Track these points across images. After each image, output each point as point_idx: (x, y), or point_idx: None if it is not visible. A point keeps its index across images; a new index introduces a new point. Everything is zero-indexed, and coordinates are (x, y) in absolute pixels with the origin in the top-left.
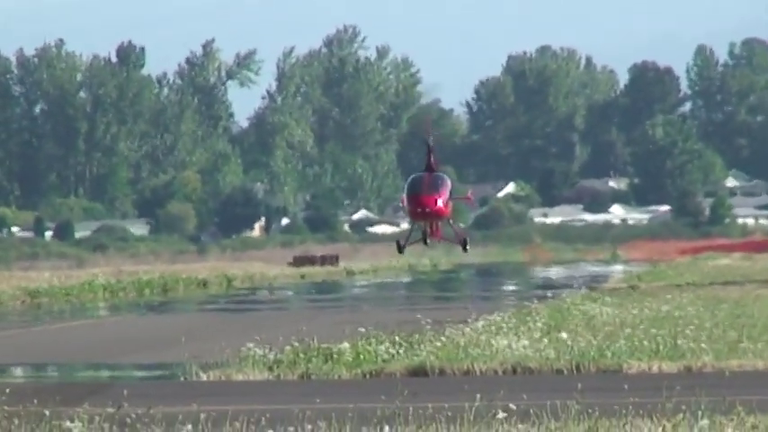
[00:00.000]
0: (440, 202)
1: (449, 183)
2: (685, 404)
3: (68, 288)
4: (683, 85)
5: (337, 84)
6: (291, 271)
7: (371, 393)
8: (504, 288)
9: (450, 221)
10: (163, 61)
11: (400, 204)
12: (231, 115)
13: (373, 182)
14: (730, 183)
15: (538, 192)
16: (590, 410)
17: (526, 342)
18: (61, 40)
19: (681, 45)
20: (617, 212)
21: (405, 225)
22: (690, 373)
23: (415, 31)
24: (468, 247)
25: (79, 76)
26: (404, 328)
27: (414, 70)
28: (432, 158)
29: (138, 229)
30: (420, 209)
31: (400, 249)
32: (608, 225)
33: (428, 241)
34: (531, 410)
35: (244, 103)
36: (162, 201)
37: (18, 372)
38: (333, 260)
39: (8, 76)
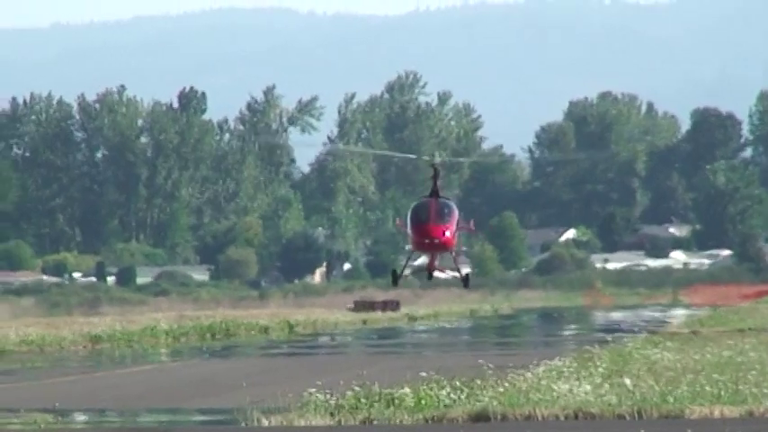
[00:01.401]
0: (448, 233)
1: (456, 211)
2: None
3: (130, 333)
4: (745, 131)
5: (398, 129)
6: (353, 316)
7: None
8: (566, 333)
9: (453, 253)
10: (224, 107)
11: (395, 227)
12: (293, 161)
13: None
14: None
15: (599, 237)
16: None
17: (588, 387)
18: (122, 86)
19: (743, 90)
20: (678, 258)
21: (465, 270)
22: (752, 418)
23: (476, 76)
24: (469, 284)
25: (140, 122)
26: (465, 373)
27: (475, 116)
28: (438, 183)
29: (200, 274)
30: (427, 239)
31: (395, 281)
32: (669, 270)
33: (432, 276)
34: None
35: (305, 148)
36: (223, 246)
37: (80, 417)
38: (394, 305)
39: (70, 121)
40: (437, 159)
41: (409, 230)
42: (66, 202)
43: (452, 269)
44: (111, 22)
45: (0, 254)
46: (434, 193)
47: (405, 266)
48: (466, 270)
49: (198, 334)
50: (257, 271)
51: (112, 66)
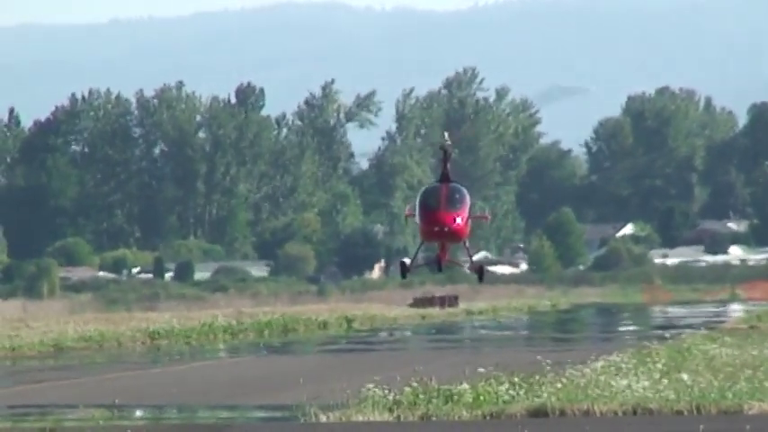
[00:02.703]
0: (459, 221)
1: (468, 197)
2: None
3: (188, 329)
4: None
5: (456, 125)
6: (411, 312)
7: None
8: (624, 328)
9: (466, 244)
10: (282, 102)
11: (405, 216)
12: (351, 156)
13: (492, 223)
14: None
15: (657, 232)
16: None
17: (646, 383)
18: (181, 82)
19: None
20: (736, 253)
21: (524, 266)
22: None
23: (533, 72)
24: (483, 278)
25: (198, 118)
26: (524, 369)
27: (532, 111)
28: (448, 166)
29: (258, 270)
30: (437, 227)
31: (404, 274)
32: (727, 265)
33: (442, 268)
34: None
35: (363, 144)
36: (281, 242)
37: (138, 413)
38: (453, 301)
39: (128, 117)
40: (447, 141)
41: (417, 218)
42: (125, 198)
43: (466, 261)
44: (170, 18)
45: (59, 250)
46: (444, 178)
47: (414, 257)
48: (480, 262)
49: (256, 330)
50: (315, 267)
51: (171, 62)
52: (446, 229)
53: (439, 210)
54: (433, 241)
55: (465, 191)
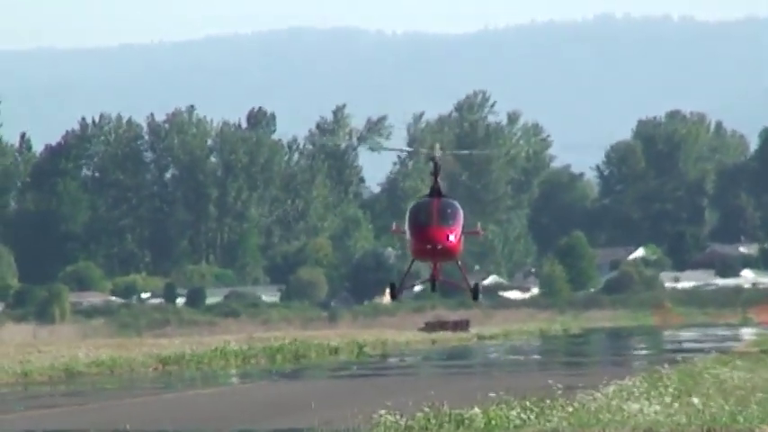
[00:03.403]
0: (452, 237)
1: (461, 212)
2: None
3: (200, 355)
4: None
5: (467, 148)
6: (423, 337)
7: None
8: (635, 352)
9: (459, 262)
10: (293, 127)
11: (391, 231)
12: (362, 180)
13: (504, 247)
14: None
15: (668, 256)
16: None
17: (657, 407)
18: (192, 106)
19: None
20: (747, 277)
21: (536, 290)
22: None
23: (545, 96)
24: (480, 296)
25: (210, 142)
26: (535, 394)
27: (544, 135)
28: (438, 180)
29: (270, 295)
30: (429, 244)
31: (394, 295)
32: (738, 289)
33: (436, 287)
34: None
35: (375, 168)
36: (293, 266)
37: None
38: (464, 326)
39: (139, 141)
40: (437, 152)
41: (408, 235)
42: (136, 223)
43: (460, 280)
44: (181, 42)
45: (70, 275)
46: (436, 192)
47: (404, 278)
48: (474, 280)
49: (267, 355)
50: (327, 291)
51: (182, 86)
52: (439, 247)
53: (431, 226)
54: (425, 259)
55: (458, 205)
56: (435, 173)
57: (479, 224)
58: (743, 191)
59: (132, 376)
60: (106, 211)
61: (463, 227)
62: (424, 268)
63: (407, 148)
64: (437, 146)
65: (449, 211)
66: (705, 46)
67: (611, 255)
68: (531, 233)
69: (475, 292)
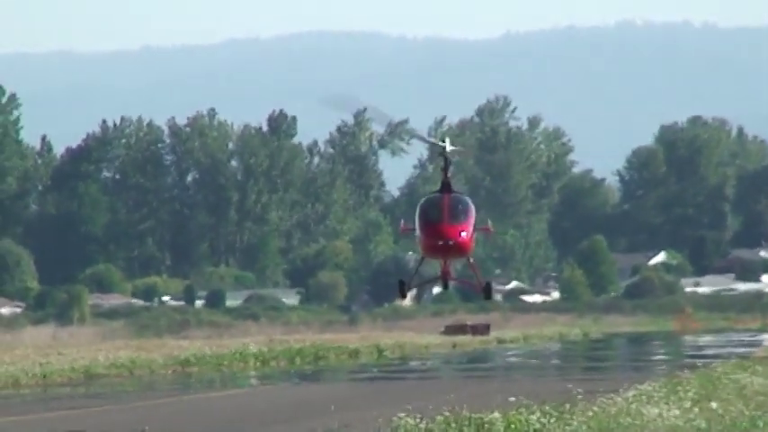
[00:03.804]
0: (464, 234)
1: (473, 208)
2: None
3: (219, 357)
4: None
5: (489, 153)
6: (443, 340)
7: None
8: (655, 357)
9: (471, 260)
10: (314, 130)
11: (400, 229)
12: (382, 184)
13: (525, 251)
14: None
15: (689, 261)
16: None
17: (677, 412)
18: (213, 109)
19: None
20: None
21: (556, 294)
22: None
23: (566, 101)
24: (491, 295)
25: (230, 145)
26: (555, 398)
27: (565, 140)
28: (449, 175)
29: (289, 298)
30: (441, 241)
31: (403, 293)
32: (759, 294)
33: (449, 285)
34: None
35: (395, 172)
36: (313, 270)
37: None
38: (484, 329)
39: (160, 145)
40: (448, 146)
41: (418, 232)
42: (156, 226)
43: (472, 278)
44: (201, 45)
45: (90, 277)
46: (446, 187)
47: (414, 275)
48: (485, 279)
49: (287, 358)
50: (347, 294)
51: (203, 89)
52: (450, 243)
53: (442, 222)
54: (436, 257)
55: (469, 201)
56: (446, 168)
57: (489, 221)
58: (764, 196)
59: (152, 378)
60: (126, 213)
61: (474, 224)
62: (435, 266)
63: (428, 138)
64: (447, 140)
65: (460, 206)
66: (726, 52)
67: (631, 260)
68: (551, 238)
69: (487, 291)
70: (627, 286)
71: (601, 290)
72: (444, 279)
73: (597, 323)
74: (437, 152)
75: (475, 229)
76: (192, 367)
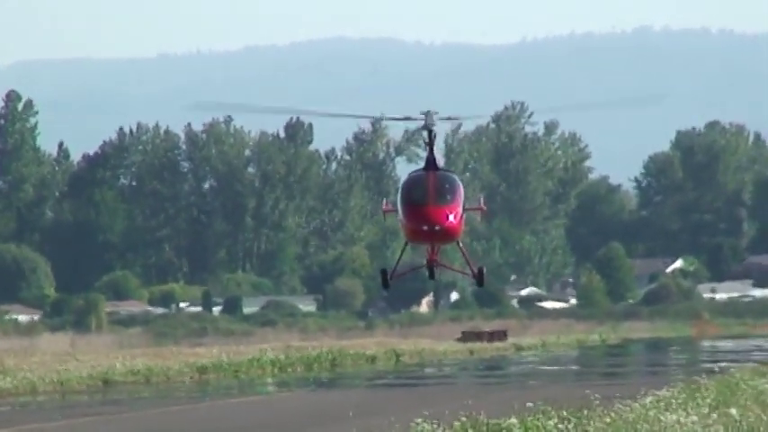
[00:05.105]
0: (452, 218)
1: (461, 187)
2: None
3: (237, 364)
4: None
5: (505, 159)
6: (460, 346)
7: None
8: (673, 363)
9: (460, 244)
10: (331, 137)
11: (382, 209)
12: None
13: (541, 258)
14: None
15: (706, 267)
16: None
17: (695, 418)
18: (230, 116)
19: None
20: None
21: (574, 300)
22: None
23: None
24: (484, 282)
25: (247, 152)
26: (572, 404)
27: (582, 146)
28: (434, 150)
29: (307, 304)
30: (425, 226)
31: (386, 283)
32: None
33: (434, 274)
34: None
35: None
36: (330, 276)
37: None
38: (501, 336)
39: (177, 151)
40: (430, 120)
41: (401, 215)
42: (173, 233)
43: (462, 265)
44: (218, 52)
45: (107, 284)
46: (431, 164)
47: (397, 264)
48: (478, 265)
49: (304, 364)
50: (364, 301)
51: (219, 96)
52: (436, 228)
53: (427, 204)
54: (421, 242)
55: (457, 179)
56: (430, 142)
57: (482, 198)
58: None
59: (169, 385)
60: (143, 220)
61: (464, 204)
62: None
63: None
64: (430, 111)
65: (447, 186)
66: (743, 58)
67: (649, 266)
68: (568, 244)
69: (479, 278)
70: (645, 293)
71: (618, 296)
72: (430, 267)
73: (615, 329)
74: (422, 126)
75: (465, 209)
76: (210, 374)
